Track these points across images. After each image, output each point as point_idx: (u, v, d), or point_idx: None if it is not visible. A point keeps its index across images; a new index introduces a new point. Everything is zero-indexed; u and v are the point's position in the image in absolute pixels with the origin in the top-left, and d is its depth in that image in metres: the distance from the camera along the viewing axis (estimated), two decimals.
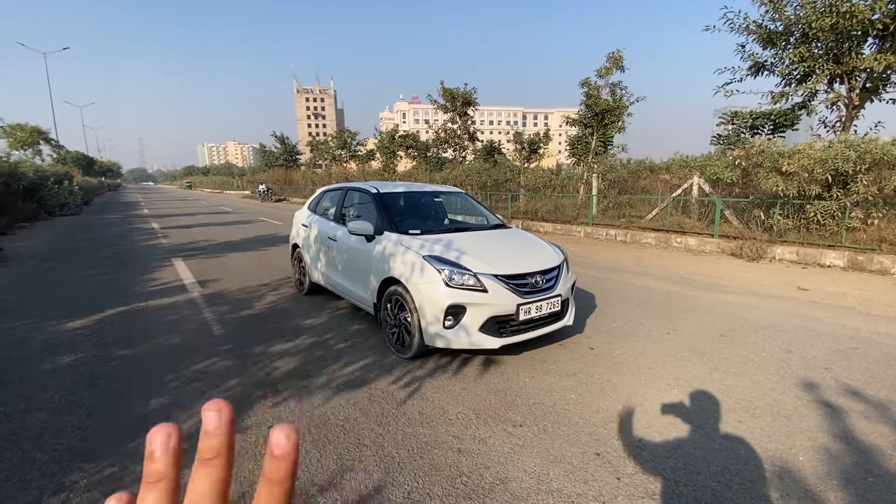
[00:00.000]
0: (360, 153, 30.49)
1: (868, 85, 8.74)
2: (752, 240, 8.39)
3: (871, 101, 8.93)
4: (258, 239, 11.25)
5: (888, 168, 7.26)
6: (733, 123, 15.83)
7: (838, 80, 8.97)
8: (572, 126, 16.08)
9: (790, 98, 9.57)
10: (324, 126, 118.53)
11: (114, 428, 2.70)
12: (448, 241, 3.89)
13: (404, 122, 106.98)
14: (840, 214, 7.73)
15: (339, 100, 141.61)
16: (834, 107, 9.32)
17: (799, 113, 11.02)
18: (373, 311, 4.18)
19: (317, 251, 5.27)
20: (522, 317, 3.48)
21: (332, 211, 5.23)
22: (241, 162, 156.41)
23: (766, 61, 9.62)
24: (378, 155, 26.76)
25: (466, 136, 20.85)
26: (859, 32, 8.17)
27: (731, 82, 10.11)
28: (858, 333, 4.34)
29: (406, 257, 3.69)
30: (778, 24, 8.94)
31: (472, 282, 3.41)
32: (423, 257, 3.58)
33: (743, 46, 9.67)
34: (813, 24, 8.19)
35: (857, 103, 8.89)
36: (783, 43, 9.13)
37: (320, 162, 34.17)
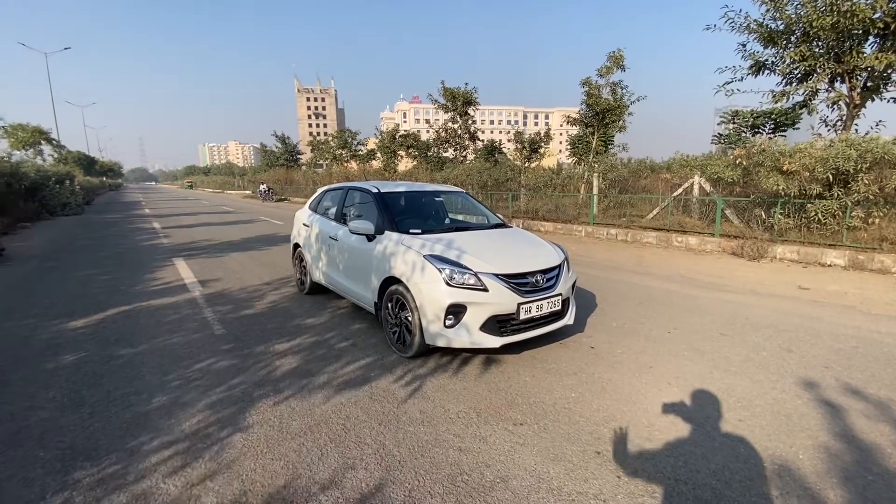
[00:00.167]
0: (360, 153, 30.54)
1: (869, 84, 8.72)
2: (752, 239, 8.38)
3: (872, 99, 8.91)
4: (259, 238, 11.27)
5: (889, 167, 7.24)
6: (734, 122, 15.83)
7: (839, 78, 8.95)
8: (573, 125, 16.07)
9: (791, 97, 9.55)
10: (324, 126, 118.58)
11: (116, 426, 2.71)
12: (449, 240, 3.90)
13: (405, 121, 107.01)
14: (841, 213, 7.72)
15: (340, 99, 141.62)
16: (835, 106, 9.31)
17: (800, 112, 11.00)
18: (374, 310, 4.19)
19: (318, 250, 5.28)
20: (523, 316, 3.49)
21: (333, 210, 5.24)
22: (242, 162, 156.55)
23: (766, 60, 9.60)
24: (379, 154, 26.79)
25: (467, 135, 20.85)
26: (860, 31, 8.16)
27: (732, 81, 10.10)
28: (859, 332, 4.35)
29: (407, 257, 3.70)
30: (779, 22, 8.92)
31: (472, 281, 3.41)
32: (424, 256, 3.58)
33: (744, 45, 9.66)
34: (814, 23, 8.18)
35: (857, 102, 8.88)
36: (784, 42, 9.12)
37: (321, 162, 34.21)
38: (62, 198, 18.53)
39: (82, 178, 31.11)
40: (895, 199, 7.45)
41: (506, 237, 4.43)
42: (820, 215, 7.84)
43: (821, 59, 8.64)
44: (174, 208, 23.78)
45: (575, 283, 4.15)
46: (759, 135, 14.82)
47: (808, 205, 8.02)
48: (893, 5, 7.67)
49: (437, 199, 5.34)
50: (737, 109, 15.83)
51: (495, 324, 3.43)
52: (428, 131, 24.23)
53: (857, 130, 9.17)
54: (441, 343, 3.42)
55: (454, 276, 3.41)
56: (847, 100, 8.97)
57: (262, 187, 32.02)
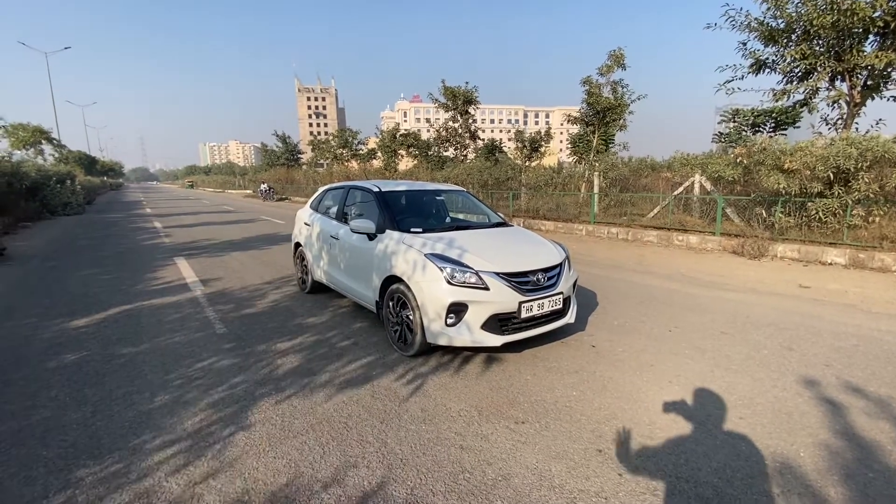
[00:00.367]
0: (361, 152, 30.52)
1: (869, 82, 8.71)
2: (753, 238, 8.38)
3: (873, 98, 8.90)
4: (260, 238, 11.28)
5: (889, 166, 7.24)
6: (735, 121, 15.78)
7: (839, 77, 8.94)
8: (573, 124, 16.04)
9: (792, 95, 9.54)
10: (325, 125, 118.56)
11: (119, 425, 2.72)
12: (450, 239, 3.90)
13: (405, 120, 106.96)
14: (841, 212, 7.72)
15: (341, 99, 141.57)
16: (835, 104, 9.29)
17: (800, 110, 10.97)
18: (375, 309, 4.19)
19: (319, 249, 5.28)
20: (524, 314, 3.49)
21: (335, 209, 5.24)
22: (242, 161, 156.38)
23: (767, 59, 9.58)
24: (379, 154, 26.77)
25: (468, 134, 20.83)
26: (860, 30, 8.14)
27: (733, 80, 10.07)
28: (859, 331, 4.35)
29: (408, 255, 3.70)
30: (779, 21, 8.90)
31: (473, 280, 3.41)
32: (425, 255, 3.59)
33: (744, 44, 9.63)
34: (814, 22, 8.16)
35: (858, 101, 8.87)
36: (784, 40, 9.10)
37: (322, 161, 34.19)
38: (63, 197, 18.54)
39: (83, 178, 31.16)
40: (895, 198, 7.45)
41: (507, 236, 4.43)
42: (821, 214, 7.84)
43: (821, 57, 8.63)
44: (175, 208, 23.79)
45: (576, 281, 4.15)
46: (759, 133, 14.78)
47: (809, 203, 8.02)
48: (893, 4, 7.66)
49: (437, 197, 5.34)
50: (737, 108, 15.77)
51: (496, 322, 3.43)
52: (428, 130, 24.21)
53: (857, 129, 9.16)
54: (442, 341, 3.43)
55: (455, 274, 3.42)
56: (847, 98, 8.96)
57: (263, 187, 32.03)
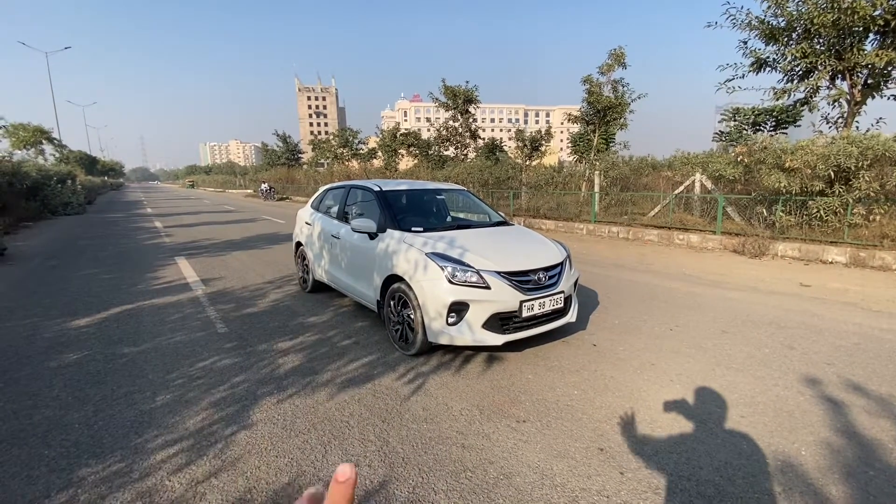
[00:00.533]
0: (361, 151, 30.52)
1: (870, 81, 8.70)
2: (754, 236, 8.38)
3: (873, 97, 8.89)
4: (261, 237, 11.28)
5: (890, 164, 7.25)
6: (735, 120, 15.77)
7: (840, 76, 8.93)
8: (574, 123, 16.03)
9: (792, 94, 9.54)
10: (325, 124, 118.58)
11: (121, 424, 2.73)
12: (451, 238, 3.90)
13: (406, 120, 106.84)
14: (842, 211, 7.71)
15: (341, 98, 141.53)
16: (836, 103, 9.28)
17: (801, 109, 10.98)
18: (376, 308, 4.19)
19: (320, 249, 5.29)
20: (525, 313, 3.49)
21: (335, 209, 5.25)
22: (243, 161, 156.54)
23: (768, 57, 9.57)
24: (380, 153, 26.79)
25: (468, 133, 20.83)
26: (861, 29, 8.13)
27: (733, 79, 10.07)
28: (860, 329, 4.35)
29: (409, 255, 3.70)
30: (780, 19, 8.90)
31: (474, 279, 3.42)
32: (426, 254, 3.59)
33: (745, 42, 9.63)
34: (815, 20, 8.16)
35: (858, 99, 8.86)
36: (785, 39, 9.09)
37: (322, 160, 34.19)
38: (64, 197, 18.56)
39: (84, 178, 31.16)
40: None
41: (507, 235, 4.43)
42: (821, 212, 7.84)
43: (822, 56, 8.62)
44: (176, 207, 23.80)
45: (577, 280, 4.15)
46: (760, 132, 14.78)
47: (810, 202, 8.01)
48: (893, 3, 7.65)
49: (438, 197, 5.34)
50: (738, 107, 15.76)
51: (497, 321, 3.43)
52: (429, 130, 24.22)
53: (857, 128, 9.16)
54: (443, 341, 3.43)
55: (456, 273, 3.42)
56: (848, 97, 8.95)
57: (264, 186, 32.03)
